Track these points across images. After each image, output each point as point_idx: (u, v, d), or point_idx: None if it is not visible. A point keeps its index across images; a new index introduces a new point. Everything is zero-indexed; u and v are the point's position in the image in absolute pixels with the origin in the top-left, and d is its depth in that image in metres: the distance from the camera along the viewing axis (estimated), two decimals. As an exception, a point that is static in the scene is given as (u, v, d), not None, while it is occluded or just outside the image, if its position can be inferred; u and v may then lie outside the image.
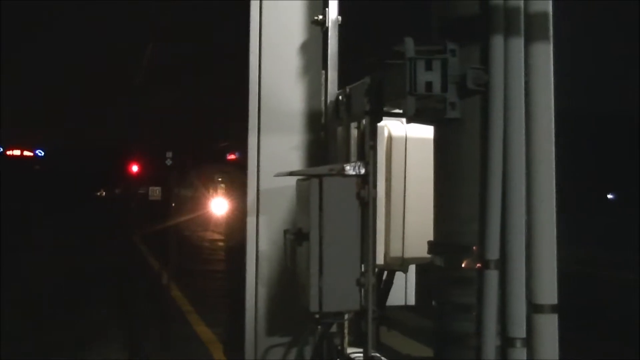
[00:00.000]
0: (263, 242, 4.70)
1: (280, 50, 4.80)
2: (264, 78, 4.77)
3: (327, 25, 4.66)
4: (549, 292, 3.10)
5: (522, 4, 3.17)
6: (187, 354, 13.14)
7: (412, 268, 4.39)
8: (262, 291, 4.68)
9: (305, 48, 4.75)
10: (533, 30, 3.17)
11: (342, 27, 4.67)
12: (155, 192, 64.64)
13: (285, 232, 4.42)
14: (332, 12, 4.65)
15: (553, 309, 3.11)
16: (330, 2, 4.66)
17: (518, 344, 3.09)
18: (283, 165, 4.60)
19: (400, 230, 3.92)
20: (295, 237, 4.19)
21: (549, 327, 3.11)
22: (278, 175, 4.54)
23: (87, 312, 14.56)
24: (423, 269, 4.06)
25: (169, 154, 68.91)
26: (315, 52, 4.71)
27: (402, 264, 4.01)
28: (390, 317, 4.28)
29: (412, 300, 4.48)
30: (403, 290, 4.46)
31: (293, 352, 4.60)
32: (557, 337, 3.12)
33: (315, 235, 3.88)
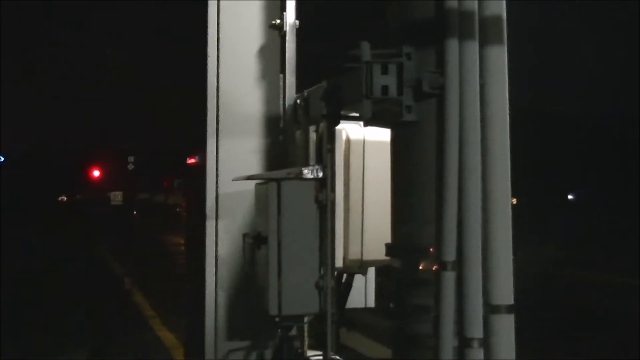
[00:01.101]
0: (222, 246, 4.70)
1: (238, 53, 4.80)
2: (222, 81, 4.76)
3: (284, 29, 4.67)
4: (505, 292, 3.12)
5: (476, 6, 3.18)
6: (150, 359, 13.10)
7: (371, 270, 4.41)
8: (222, 295, 4.68)
9: (263, 52, 4.75)
10: (488, 34, 3.19)
11: (300, 31, 4.68)
12: (117, 196, 64.70)
13: (244, 236, 4.43)
14: (290, 16, 4.66)
15: (509, 309, 3.13)
16: (287, 6, 4.67)
17: (475, 344, 3.10)
18: (242, 169, 4.60)
19: (358, 233, 3.93)
20: (254, 241, 4.19)
21: (505, 327, 3.13)
22: (236, 179, 4.54)
23: (49, 318, 14.41)
24: (381, 271, 4.07)
25: (131, 159, 69.01)
26: (274, 56, 4.72)
27: (361, 267, 4.02)
28: (350, 319, 4.29)
29: (371, 302, 4.50)
30: (363, 292, 4.47)
31: (253, 356, 4.61)
32: (513, 337, 3.15)
33: (274, 238, 3.89)
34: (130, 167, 69.58)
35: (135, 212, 56.23)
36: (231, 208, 4.70)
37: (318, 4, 5.08)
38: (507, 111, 3.19)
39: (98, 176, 73.96)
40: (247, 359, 4.64)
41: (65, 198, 77.07)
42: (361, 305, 4.47)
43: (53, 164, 74.73)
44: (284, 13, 4.68)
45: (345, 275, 4.22)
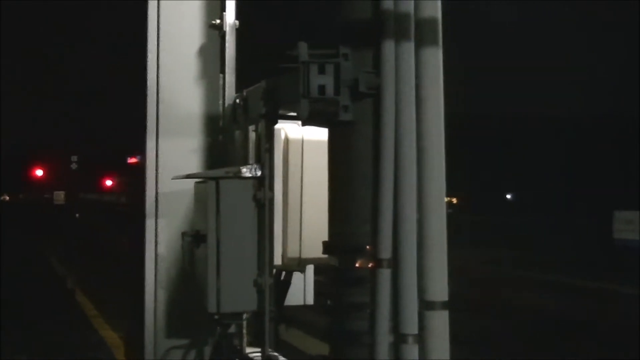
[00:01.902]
0: (162, 244, 4.67)
1: (178, 53, 4.78)
2: (162, 81, 4.74)
3: (224, 29, 4.65)
4: (439, 289, 3.14)
5: (412, 8, 3.19)
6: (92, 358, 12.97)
7: (310, 268, 4.41)
8: (161, 293, 4.66)
9: (203, 51, 4.73)
10: (423, 35, 3.20)
11: (239, 31, 4.66)
12: (59, 196, 64.19)
13: (183, 234, 4.41)
14: (230, 16, 4.64)
15: (444, 305, 3.15)
16: (227, 6, 4.65)
17: (410, 340, 3.12)
18: (181, 168, 4.57)
19: (297, 232, 3.93)
20: (193, 239, 4.18)
21: (440, 323, 3.14)
22: (175, 178, 4.51)
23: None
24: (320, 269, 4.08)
25: (75, 158, 68.51)
26: (213, 56, 4.69)
27: (299, 264, 4.03)
28: (289, 316, 4.29)
29: (310, 300, 4.50)
30: (302, 289, 4.47)
31: (192, 353, 4.59)
32: (447, 332, 3.16)
33: (213, 237, 3.88)
34: (74, 166, 69.22)
35: (77, 213, 55.63)
36: (171, 207, 4.67)
37: (259, 4, 5.05)
38: (442, 112, 3.20)
39: (41, 175, 73.15)
40: (186, 357, 4.62)
41: (7, 198, 75.96)
42: (300, 302, 4.47)
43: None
44: (224, 13, 4.67)
45: (283, 273, 4.22)
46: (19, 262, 24.53)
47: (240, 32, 4.66)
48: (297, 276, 4.32)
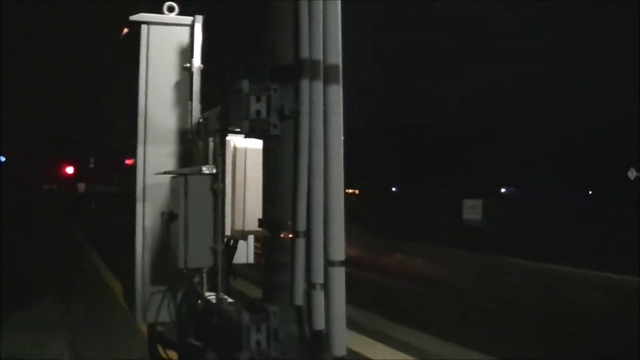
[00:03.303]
0: (147, 221, 4.61)
1: (161, 85, 4.72)
2: (149, 104, 4.68)
3: (192, 70, 4.61)
4: (339, 252, 3.15)
5: (321, 57, 3.19)
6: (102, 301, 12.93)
7: (251, 237, 4.38)
8: (147, 255, 4.60)
9: (177, 85, 4.68)
10: (329, 76, 3.21)
11: (203, 71, 4.62)
12: (81, 187, 64.26)
13: (162, 214, 4.37)
14: (196, 61, 4.60)
15: (342, 263, 3.15)
16: (194, 54, 4.62)
17: (318, 287, 3.13)
18: (161, 167, 4.54)
19: (241, 212, 3.90)
20: (169, 217, 4.14)
21: (339, 275, 3.15)
22: (157, 174, 4.49)
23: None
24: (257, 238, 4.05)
25: (92, 159, 68.25)
26: (185, 89, 4.64)
27: (243, 235, 3.99)
28: (236, 271, 4.26)
29: (251, 259, 4.48)
30: (245, 252, 4.44)
31: (169, 296, 4.54)
32: (344, 282, 3.16)
33: (182, 215, 3.83)
34: (91, 165, 69.16)
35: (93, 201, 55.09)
36: (153, 194, 4.61)
37: (218, 52, 5.01)
38: (342, 131, 3.21)
39: (71, 172, 72.21)
40: (164, 298, 4.56)
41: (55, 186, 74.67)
42: (244, 261, 4.44)
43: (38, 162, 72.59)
44: (192, 59, 4.62)
45: (232, 241, 4.17)
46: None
47: (204, 72, 4.61)
48: (242, 243, 4.28)
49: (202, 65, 4.62)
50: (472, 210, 28.70)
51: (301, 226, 3.13)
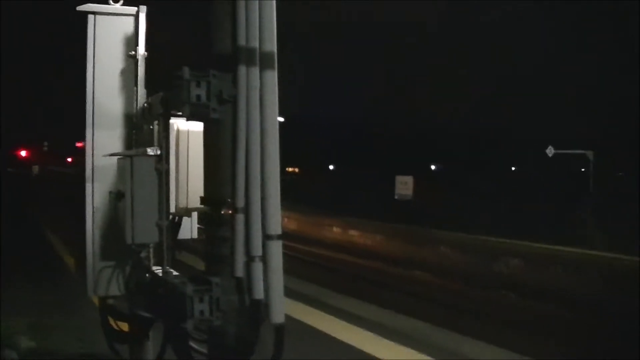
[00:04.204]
0: (97, 199, 4.54)
1: (108, 71, 4.64)
2: (97, 90, 4.61)
3: (137, 57, 4.54)
4: (275, 226, 3.16)
5: (257, 45, 3.18)
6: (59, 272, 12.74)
7: (194, 214, 4.35)
8: (97, 231, 4.54)
9: (124, 72, 4.61)
10: (265, 63, 3.20)
11: (148, 58, 4.56)
12: (35, 169, 63.05)
13: (110, 193, 4.32)
14: (141, 49, 4.54)
15: (279, 237, 3.17)
16: (139, 42, 4.55)
17: (257, 260, 3.14)
18: (109, 149, 4.48)
19: (185, 190, 3.86)
20: (117, 196, 4.10)
21: (276, 248, 3.17)
22: (105, 155, 4.43)
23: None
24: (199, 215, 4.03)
25: (46, 143, 66.90)
26: (130, 75, 4.58)
27: (186, 212, 3.96)
28: (181, 245, 4.24)
29: (195, 234, 4.45)
30: (189, 228, 4.41)
31: (118, 270, 4.49)
32: (281, 254, 3.17)
33: (129, 194, 3.80)
34: (45, 149, 67.91)
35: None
36: (102, 174, 4.55)
37: (165, 42, 4.95)
38: (277, 113, 3.21)
39: (25, 155, 70.50)
40: (114, 272, 4.52)
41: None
42: (188, 237, 4.41)
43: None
44: (137, 47, 4.55)
45: (177, 218, 4.14)
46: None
47: (148, 59, 4.55)
48: (186, 219, 4.25)
49: (146, 53, 4.56)
50: (404, 186, 28.97)
51: (240, 203, 3.13)
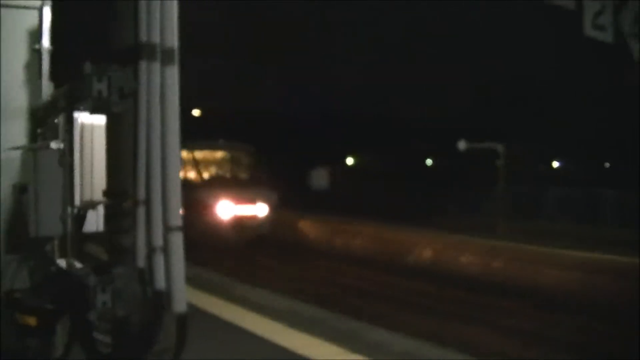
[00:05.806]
0: (1, 193, 4.43)
1: (14, 63, 4.53)
2: (1, 82, 4.49)
3: (42, 51, 4.45)
4: (176, 218, 3.17)
5: (159, 40, 3.18)
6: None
7: (100, 207, 4.29)
8: (3, 224, 4.43)
9: (28, 65, 4.52)
10: (166, 58, 3.20)
11: (53, 52, 4.48)
12: None
13: (14, 186, 4.23)
14: (45, 43, 4.47)
15: (180, 229, 3.18)
16: (43, 37, 4.47)
17: (158, 250, 3.14)
18: (14, 142, 4.38)
19: (89, 183, 3.80)
20: (21, 189, 4.02)
21: (177, 240, 3.17)
22: (10, 149, 4.33)
23: None
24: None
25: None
26: (35, 68, 4.49)
27: (91, 205, 3.91)
28: (87, 237, 4.18)
29: (100, 227, 4.39)
30: (95, 221, 4.34)
31: (23, 263, 4.40)
32: (182, 246, 3.18)
33: (33, 187, 3.73)
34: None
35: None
36: (6, 168, 4.44)
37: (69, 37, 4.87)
38: (178, 106, 3.21)
39: None
40: (19, 265, 4.41)
41: None
42: (94, 229, 4.35)
43: None
44: (41, 41, 4.47)
45: (82, 210, 4.08)
46: None
47: (53, 53, 4.46)
48: (91, 212, 4.19)
49: (50, 47, 4.48)
50: (320, 178, 29.28)
51: (141, 195, 3.13)
